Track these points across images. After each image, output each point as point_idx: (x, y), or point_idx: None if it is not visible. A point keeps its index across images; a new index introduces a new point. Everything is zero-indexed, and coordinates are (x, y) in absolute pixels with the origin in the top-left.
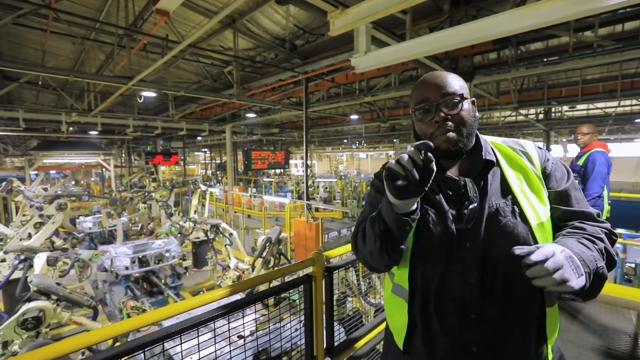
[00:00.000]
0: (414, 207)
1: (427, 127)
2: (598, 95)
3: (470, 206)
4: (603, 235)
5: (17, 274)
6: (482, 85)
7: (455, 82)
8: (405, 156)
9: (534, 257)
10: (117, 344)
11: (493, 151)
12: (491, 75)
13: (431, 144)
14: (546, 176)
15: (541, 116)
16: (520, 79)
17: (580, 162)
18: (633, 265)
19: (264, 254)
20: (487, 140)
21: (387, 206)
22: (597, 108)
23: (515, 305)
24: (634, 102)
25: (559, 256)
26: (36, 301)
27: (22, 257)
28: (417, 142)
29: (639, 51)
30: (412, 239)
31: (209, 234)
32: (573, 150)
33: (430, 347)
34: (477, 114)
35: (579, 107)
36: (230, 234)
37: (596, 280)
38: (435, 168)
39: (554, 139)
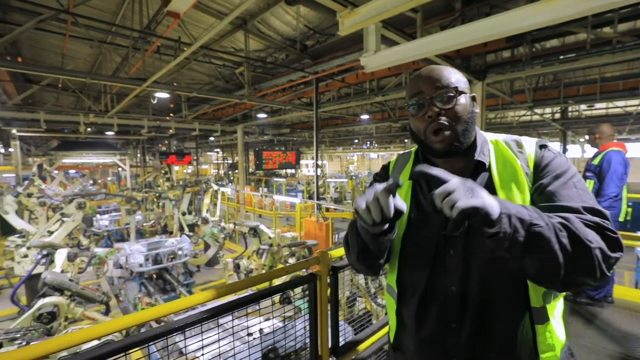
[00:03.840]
0: (386, 228)
1: (421, 122)
2: (618, 94)
3: None
4: (574, 219)
5: (39, 269)
6: (495, 84)
7: (451, 75)
8: (370, 197)
9: (435, 192)
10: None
11: (490, 151)
12: (504, 74)
13: (400, 183)
14: (536, 175)
15: (557, 115)
16: (535, 77)
17: (596, 161)
18: None
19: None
20: (487, 138)
21: (362, 228)
22: (617, 107)
23: (497, 318)
24: None
25: (453, 182)
26: (51, 297)
27: (44, 252)
28: (385, 184)
29: None
30: (400, 242)
31: (246, 236)
32: (591, 151)
33: (416, 349)
34: (475, 109)
35: (598, 105)
36: (269, 237)
37: (535, 240)
38: (392, 210)
39: (571, 138)
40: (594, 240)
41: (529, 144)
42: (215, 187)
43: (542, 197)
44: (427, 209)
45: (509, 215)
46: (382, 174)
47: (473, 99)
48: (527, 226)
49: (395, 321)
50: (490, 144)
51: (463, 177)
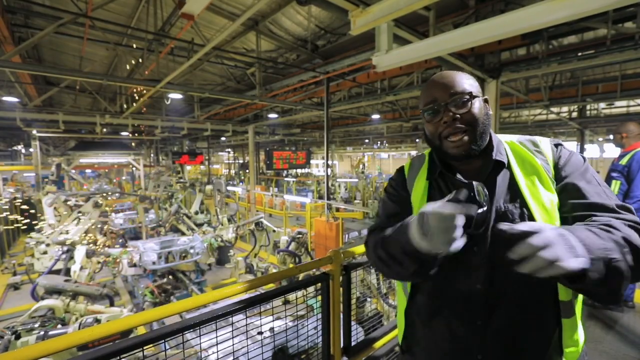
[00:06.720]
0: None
1: (436, 127)
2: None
3: (479, 210)
4: (622, 226)
5: (59, 265)
6: (509, 82)
7: (464, 81)
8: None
9: (520, 227)
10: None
11: (506, 151)
12: (520, 72)
13: (475, 184)
14: (557, 172)
15: (575, 114)
16: (551, 75)
17: (623, 161)
18: None
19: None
20: (501, 139)
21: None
22: (639, 104)
23: (524, 314)
24: None
25: (549, 232)
26: (47, 300)
27: (65, 249)
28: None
29: None
30: None
31: (255, 232)
32: (610, 150)
33: (429, 350)
34: (489, 112)
35: (618, 103)
36: (273, 231)
37: (611, 273)
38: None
39: (589, 138)
40: None
41: (544, 143)
42: (231, 188)
43: (570, 194)
44: None
45: (595, 260)
46: (397, 178)
47: (486, 101)
48: (605, 261)
49: (405, 322)
50: (505, 145)
51: (479, 180)
